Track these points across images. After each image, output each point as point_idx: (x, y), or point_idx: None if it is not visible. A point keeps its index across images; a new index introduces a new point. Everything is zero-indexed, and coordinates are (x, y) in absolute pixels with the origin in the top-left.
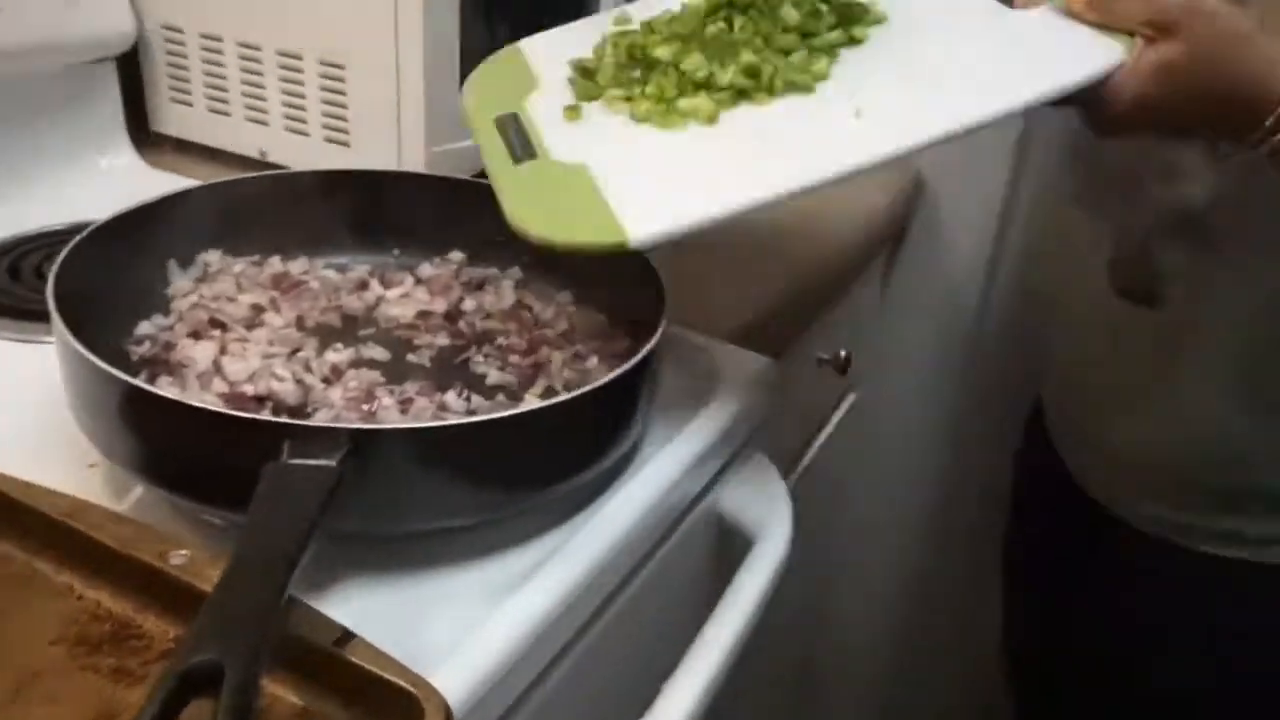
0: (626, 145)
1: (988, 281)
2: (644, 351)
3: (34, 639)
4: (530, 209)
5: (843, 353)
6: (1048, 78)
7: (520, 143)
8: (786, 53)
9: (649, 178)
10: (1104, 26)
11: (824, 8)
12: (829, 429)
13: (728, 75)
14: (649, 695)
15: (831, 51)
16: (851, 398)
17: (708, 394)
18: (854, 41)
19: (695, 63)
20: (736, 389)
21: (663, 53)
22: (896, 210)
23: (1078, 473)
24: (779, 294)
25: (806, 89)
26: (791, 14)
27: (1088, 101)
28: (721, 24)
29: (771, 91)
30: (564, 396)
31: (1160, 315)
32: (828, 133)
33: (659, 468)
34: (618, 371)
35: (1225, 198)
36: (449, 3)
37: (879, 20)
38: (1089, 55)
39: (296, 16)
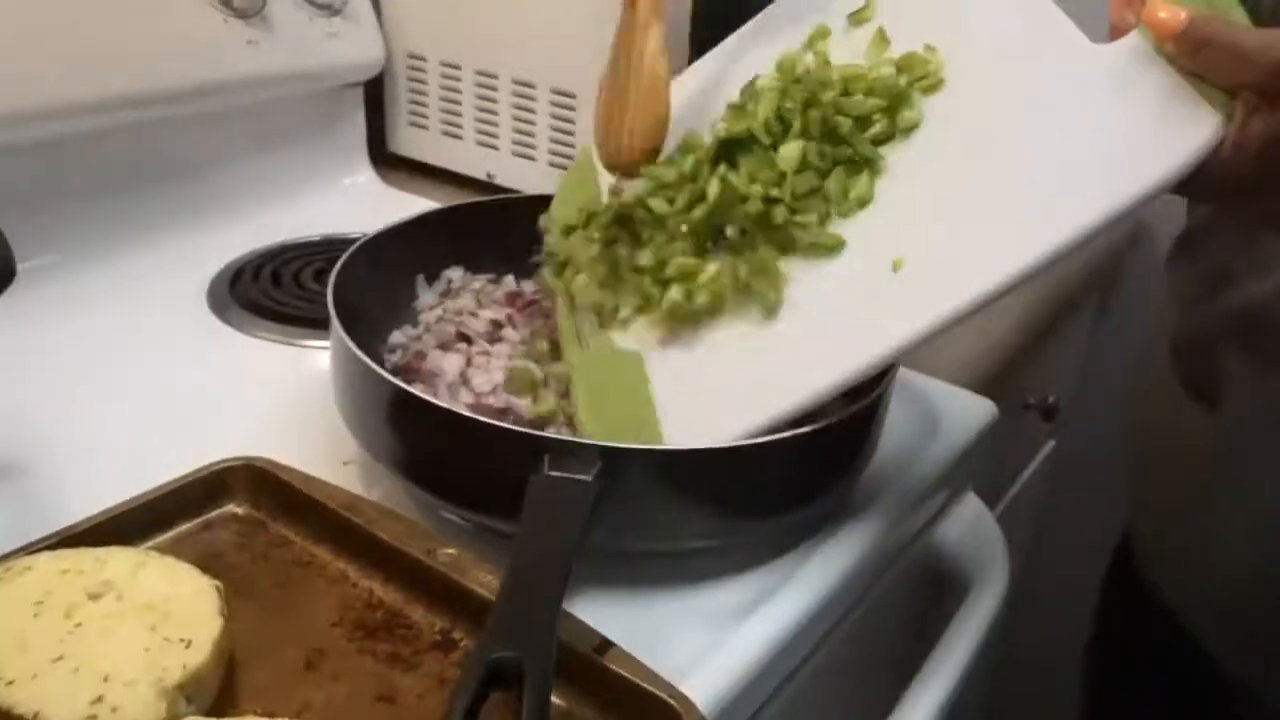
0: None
1: None
2: (881, 387)
3: (316, 619)
4: (591, 413)
5: (1050, 398)
6: (1124, 183)
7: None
8: (796, 202)
9: (692, 376)
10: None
11: (846, 123)
12: (1025, 476)
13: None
14: None
15: (873, 164)
16: (1050, 444)
17: (930, 431)
18: (901, 132)
19: (678, 268)
20: (958, 430)
21: (645, 259)
22: (1112, 251)
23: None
24: (996, 334)
25: (830, 251)
26: (792, 152)
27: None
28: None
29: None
30: (806, 429)
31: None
32: (861, 304)
33: (884, 503)
34: (855, 406)
35: None
36: (677, 37)
37: (933, 83)
38: (1179, 134)
39: (534, 49)
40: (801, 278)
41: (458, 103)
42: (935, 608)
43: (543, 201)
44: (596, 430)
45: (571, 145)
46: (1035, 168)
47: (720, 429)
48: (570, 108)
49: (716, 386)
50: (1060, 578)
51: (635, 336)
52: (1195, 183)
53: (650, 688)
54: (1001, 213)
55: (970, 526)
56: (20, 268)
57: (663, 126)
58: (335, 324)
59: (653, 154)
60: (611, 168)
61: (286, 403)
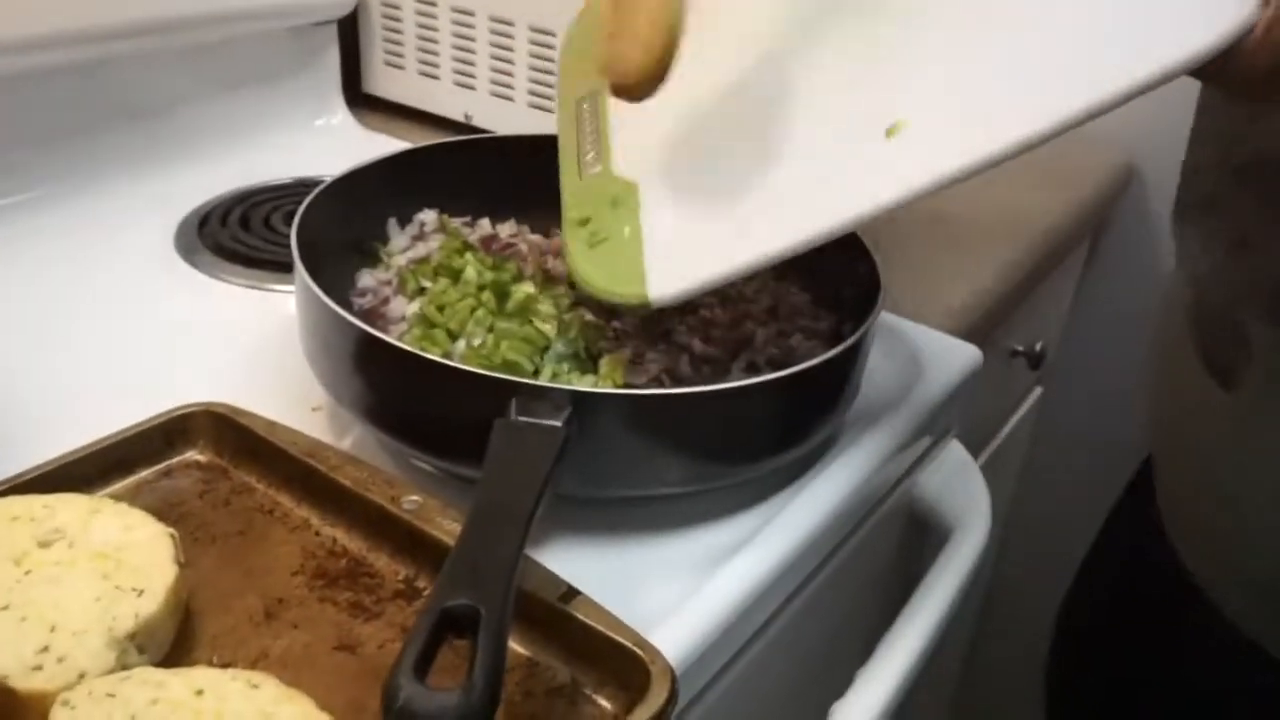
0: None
1: None
2: (860, 331)
3: (277, 567)
4: (580, 255)
5: (1038, 346)
6: (1147, 57)
7: (592, 137)
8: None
9: (682, 213)
10: None
11: None
12: (1011, 424)
13: None
14: (840, 679)
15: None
16: (1038, 392)
17: (912, 379)
18: None
19: None
20: (941, 376)
21: None
22: (1103, 198)
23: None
24: (984, 281)
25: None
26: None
27: (1211, 73)
28: None
29: None
30: (784, 372)
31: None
32: (854, 158)
33: (864, 449)
34: (834, 351)
35: None
36: None
37: None
38: (1213, 10)
39: None
40: (801, 125)
41: (434, 41)
42: (917, 554)
43: (520, 142)
44: (584, 271)
45: (551, 85)
46: (1055, 29)
47: (697, 274)
48: (549, 45)
49: (700, 232)
50: (1045, 526)
51: (633, 164)
52: (1222, 70)
53: (615, 636)
54: (1015, 73)
55: (954, 473)
56: None
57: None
58: (299, 266)
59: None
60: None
61: (255, 348)
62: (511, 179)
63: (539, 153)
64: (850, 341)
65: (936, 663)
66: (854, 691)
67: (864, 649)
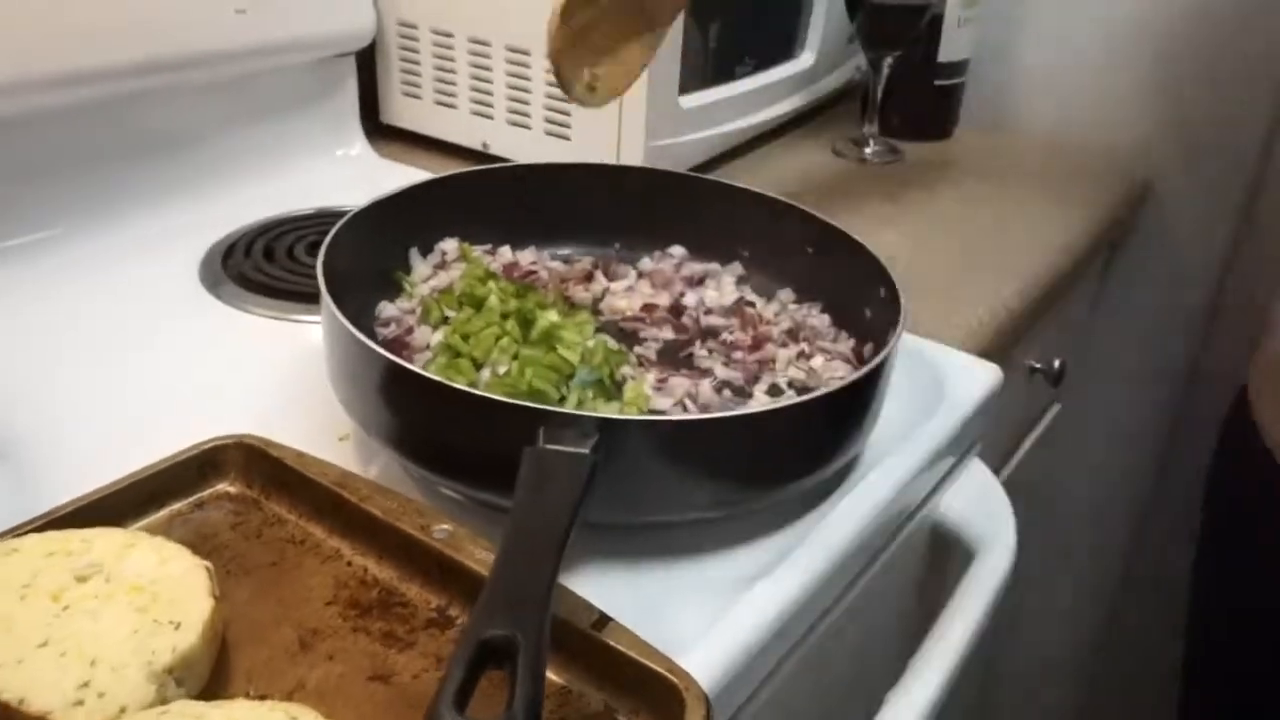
0: None
1: (1217, 295)
2: (884, 353)
3: (311, 598)
4: None
5: (1056, 362)
6: None
7: None
8: None
9: None
10: None
11: None
12: (1030, 441)
13: None
14: (870, 699)
15: None
16: (1056, 409)
17: (934, 397)
18: None
19: None
20: (963, 395)
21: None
22: (1119, 214)
23: None
24: (1002, 299)
25: None
26: None
27: None
28: None
29: None
30: (809, 396)
31: None
32: None
33: (887, 471)
34: (859, 373)
35: None
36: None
37: None
38: None
39: (527, 15)
40: None
41: (451, 71)
42: (942, 576)
43: (538, 170)
44: None
45: (567, 113)
46: None
47: None
48: None
49: None
50: (1064, 542)
51: None
52: None
53: (649, 663)
54: None
55: (977, 493)
56: (13, 243)
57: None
58: (325, 296)
59: None
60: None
61: (281, 378)
62: (531, 207)
63: (557, 181)
64: (874, 363)
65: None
66: (886, 711)
67: (893, 669)
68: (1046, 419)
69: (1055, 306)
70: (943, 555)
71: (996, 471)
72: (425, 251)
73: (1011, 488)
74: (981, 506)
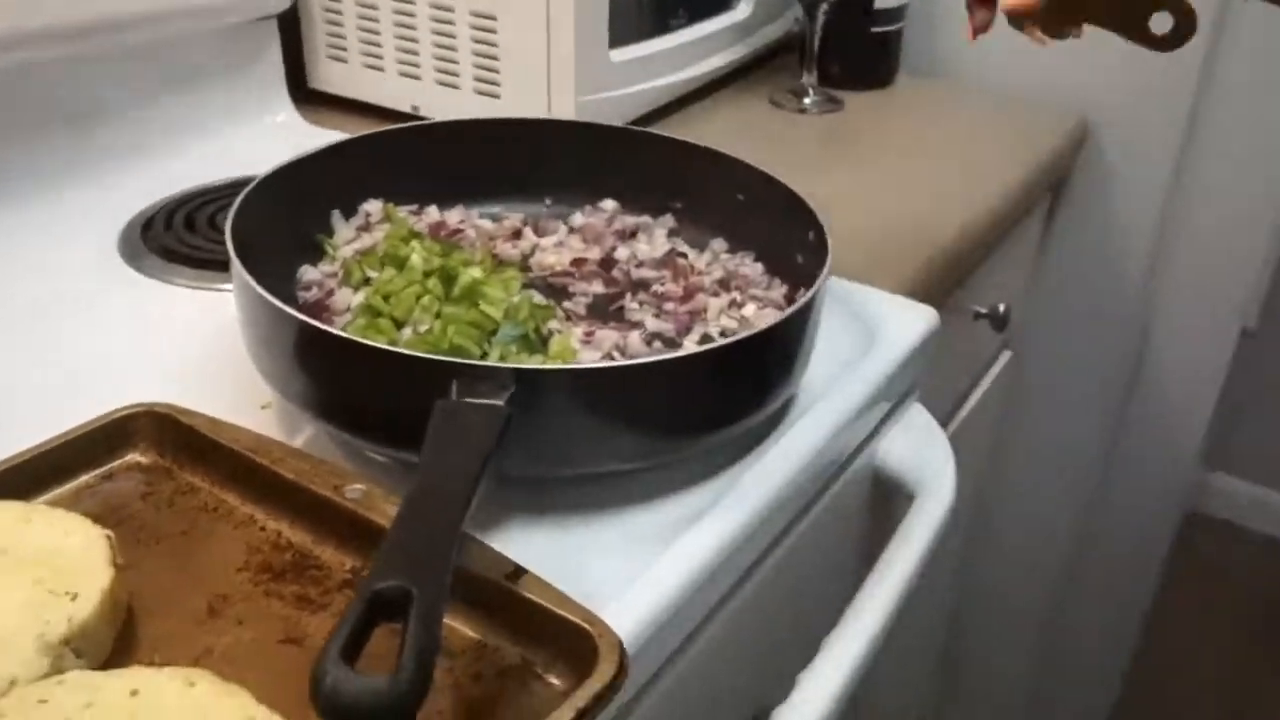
0: None
1: (1160, 234)
2: (809, 295)
3: (222, 565)
4: None
5: (1001, 307)
6: None
7: None
8: None
9: None
10: None
11: None
12: (981, 389)
13: None
14: (807, 649)
15: None
16: (1007, 355)
17: (869, 343)
18: None
19: None
20: (898, 338)
21: None
22: (1059, 155)
23: None
24: (942, 242)
25: None
26: None
27: None
28: None
29: None
30: (730, 339)
31: None
32: None
33: (820, 416)
34: (782, 315)
35: None
36: None
37: None
38: None
39: None
40: None
41: (377, 33)
42: (885, 520)
43: (463, 126)
44: None
45: (495, 70)
46: None
47: None
48: (491, 29)
49: None
50: (1023, 489)
51: None
52: None
53: (563, 612)
54: None
55: (917, 436)
56: None
57: None
58: (234, 259)
59: None
60: None
61: (203, 349)
62: (457, 165)
63: (484, 137)
64: (800, 303)
65: (918, 622)
66: (822, 657)
67: (834, 616)
68: (996, 367)
69: (998, 250)
70: (884, 501)
71: (947, 419)
72: (348, 214)
73: (965, 435)
74: (922, 450)
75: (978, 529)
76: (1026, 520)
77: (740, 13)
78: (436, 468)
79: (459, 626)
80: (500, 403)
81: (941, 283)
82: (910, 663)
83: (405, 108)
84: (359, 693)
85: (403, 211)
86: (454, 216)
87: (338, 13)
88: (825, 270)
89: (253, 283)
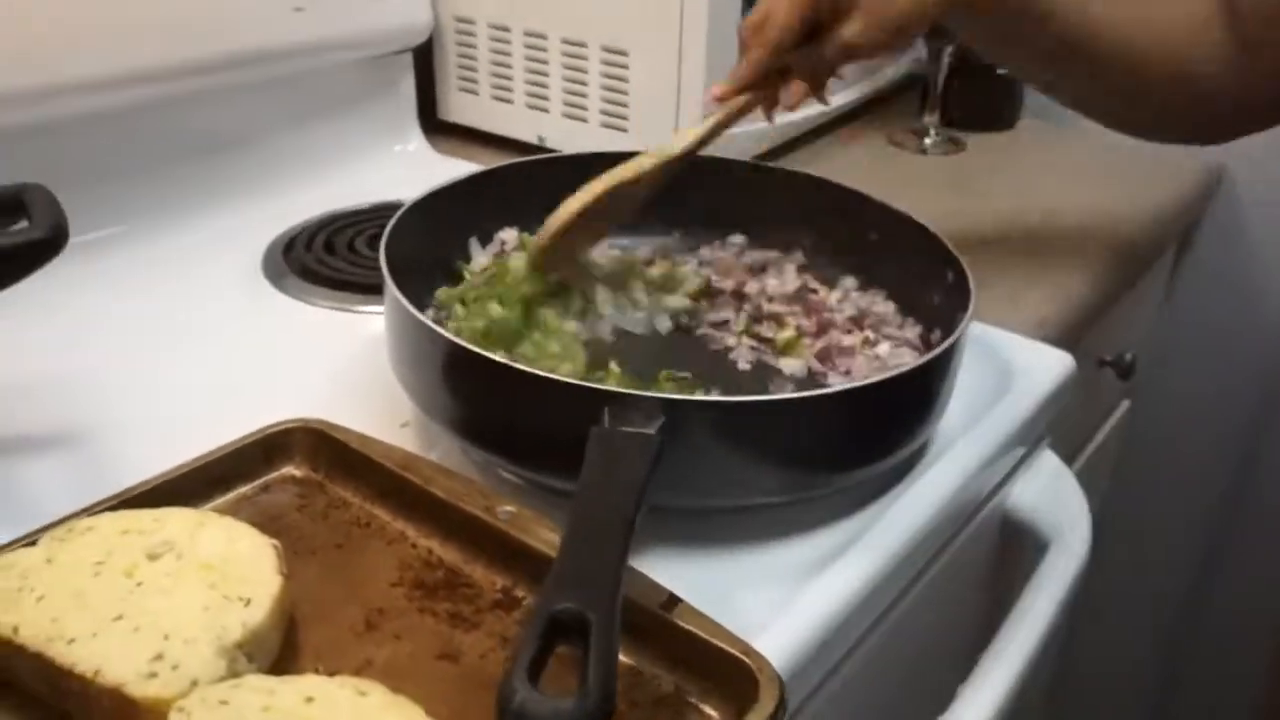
0: None
1: None
2: (954, 337)
3: (376, 579)
4: None
5: (1128, 355)
6: None
7: None
8: None
9: None
10: None
11: None
12: (1100, 437)
13: None
14: (940, 690)
15: None
16: (1126, 404)
17: (1004, 385)
18: None
19: None
20: (1034, 383)
21: None
22: (1188, 201)
23: None
24: (1073, 287)
25: None
26: None
27: None
28: None
29: None
30: (875, 379)
31: None
32: None
33: (957, 458)
34: (928, 356)
35: None
36: None
37: None
38: None
39: (584, 6)
40: None
41: (508, 65)
42: (1015, 565)
43: (593, 159)
44: None
45: (624, 104)
46: None
47: None
48: (622, 65)
49: None
50: (1135, 543)
51: None
52: None
53: (722, 644)
54: None
55: (1048, 484)
56: (80, 239)
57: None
58: (388, 280)
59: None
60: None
61: (342, 368)
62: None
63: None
64: (943, 347)
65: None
66: (958, 706)
67: (963, 660)
68: (1116, 415)
69: (1124, 298)
70: (1014, 546)
71: (1070, 464)
72: (485, 241)
73: (1082, 482)
74: (1054, 497)
75: (1092, 577)
76: (1133, 574)
77: None
78: (598, 493)
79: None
80: (651, 431)
81: (1072, 329)
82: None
83: (532, 139)
84: (547, 713)
85: None
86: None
87: (471, 46)
88: (969, 312)
89: (409, 305)
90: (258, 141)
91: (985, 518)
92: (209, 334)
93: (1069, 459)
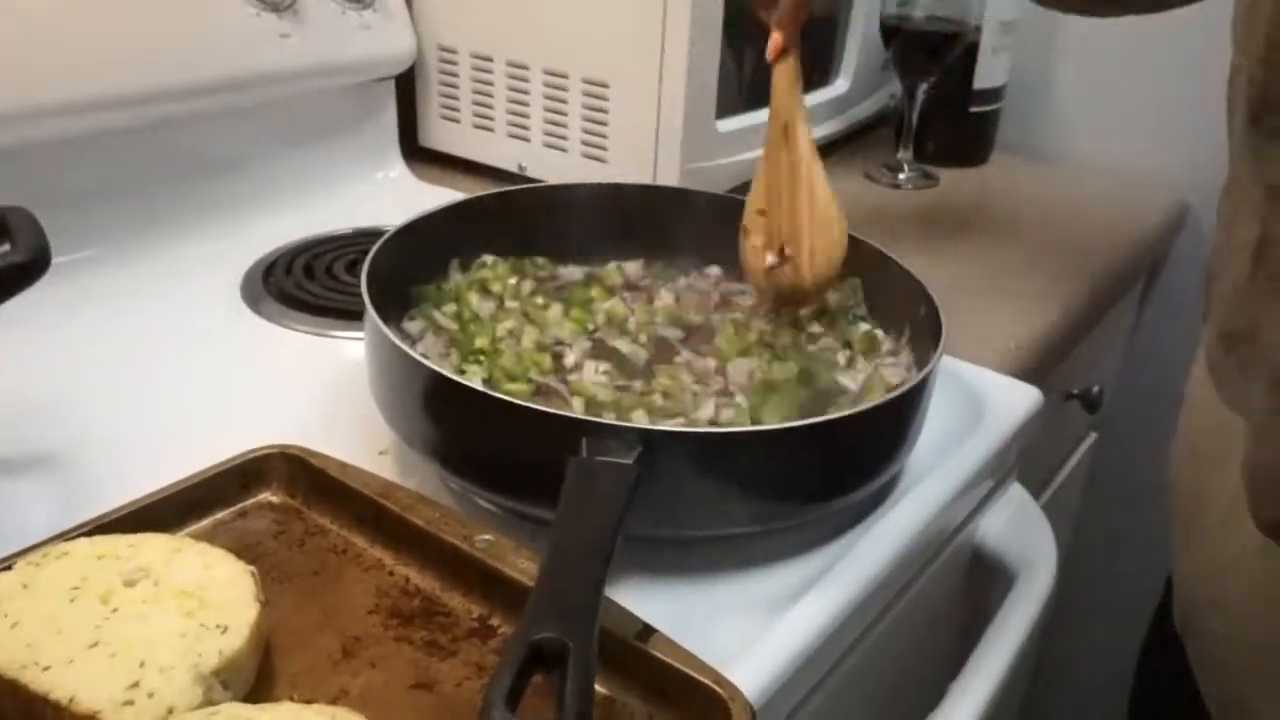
0: None
1: None
2: (924, 373)
3: (353, 607)
4: None
5: (1095, 389)
6: None
7: None
8: None
9: None
10: None
11: None
12: (1066, 470)
13: None
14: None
15: None
16: (1093, 438)
17: (974, 419)
18: None
19: None
20: (1003, 417)
21: None
22: (1156, 236)
23: None
24: (1043, 321)
25: None
26: None
27: None
28: None
29: None
30: (852, 410)
31: None
32: None
33: (928, 490)
34: (904, 388)
35: None
36: (713, 28)
37: None
38: None
39: (566, 38)
40: None
41: (489, 95)
42: (983, 597)
43: (572, 189)
44: None
45: (603, 135)
46: None
47: None
48: (603, 97)
49: None
50: (1100, 577)
51: None
52: None
53: (696, 674)
54: None
55: (1016, 516)
56: (58, 262)
57: (838, 262)
58: (369, 309)
59: (828, 284)
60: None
61: (321, 394)
62: (564, 224)
63: (593, 199)
64: (917, 379)
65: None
66: None
67: (933, 691)
68: (1082, 449)
69: (1093, 331)
70: (983, 578)
71: (1037, 496)
72: (465, 268)
73: (1048, 515)
74: (1021, 530)
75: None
76: (1101, 606)
77: (839, 87)
78: (574, 524)
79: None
80: (630, 461)
81: (1040, 364)
82: None
83: (512, 167)
84: None
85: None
86: (565, 272)
87: (454, 74)
88: (941, 344)
89: (390, 334)
90: (240, 166)
91: (955, 549)
92: (186, 357)
93: (1037, 492)
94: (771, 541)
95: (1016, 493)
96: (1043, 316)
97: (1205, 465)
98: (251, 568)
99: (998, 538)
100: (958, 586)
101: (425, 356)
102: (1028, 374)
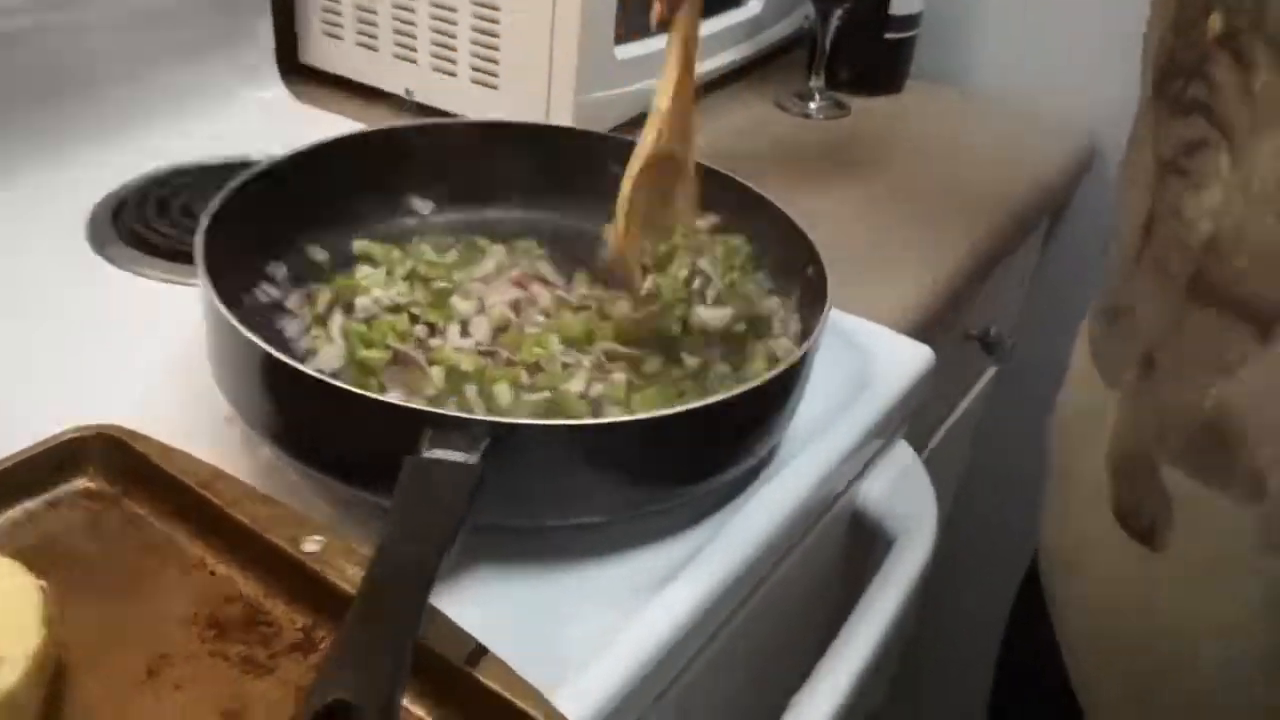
0: None
1: None
2: (798, 353)
3: (167, 615)
4: None
5: (992, 330)
6: None
7: None
8: None
9: None
10: None
11: None
12: (962, 407)
13: None
14: (785, 690)
15: None
16: (990, 372)
17: (861, 383)
18: None
19: None
20: (892, 379)
21: None
22: (1064, 177)
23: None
24: (944, 262)
25: None
26: None
27: None
28: None
29: None
30: (709, 400)
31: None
32: None
33: (806, 463)
34: (773, 373)
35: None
36: None
37: None
38: None
39: None
40: None
41: (374, 12)
42: (864, 559)
43: (478, 127)
44: None
45: (495, 61)
46: None
47: None
48: (494, 20)
49: None
50: (992, 514)
51: None
52: None
53: (521, 704)
54: None
55: (900, 476)
56: None
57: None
58: (203, 276)
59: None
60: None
61: (171, 350)
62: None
63: (489, 139)
64: (786, 364)
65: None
66: (801, 698)
67: (812, 658)
68: (980, 383)
69: (995, 272)
70: (863, 541)
71: (927, 438)
72: (339, 221)
73: (941, 451)
74: (904, 492)
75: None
76: (994, 542)
77: (750, 9)
78: (402, 542)
79: (410, 705)
80: (474, 459)
81: (942, 306)
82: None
83: (399, 90)
84: None
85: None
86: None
87: None
88: (822, 325)
89: (222, 308)
90: (93, 86)
91: (833, 517)
92: (19, 309)
93: (926, 437)
94: (643, 523)
95: (902, 451)
96: (944, 257)
97: (1075, 446)
98: (42, 582)
99: (879, 501)
100: (836, 553)
101: (287, 308)
102: (927, 319)
